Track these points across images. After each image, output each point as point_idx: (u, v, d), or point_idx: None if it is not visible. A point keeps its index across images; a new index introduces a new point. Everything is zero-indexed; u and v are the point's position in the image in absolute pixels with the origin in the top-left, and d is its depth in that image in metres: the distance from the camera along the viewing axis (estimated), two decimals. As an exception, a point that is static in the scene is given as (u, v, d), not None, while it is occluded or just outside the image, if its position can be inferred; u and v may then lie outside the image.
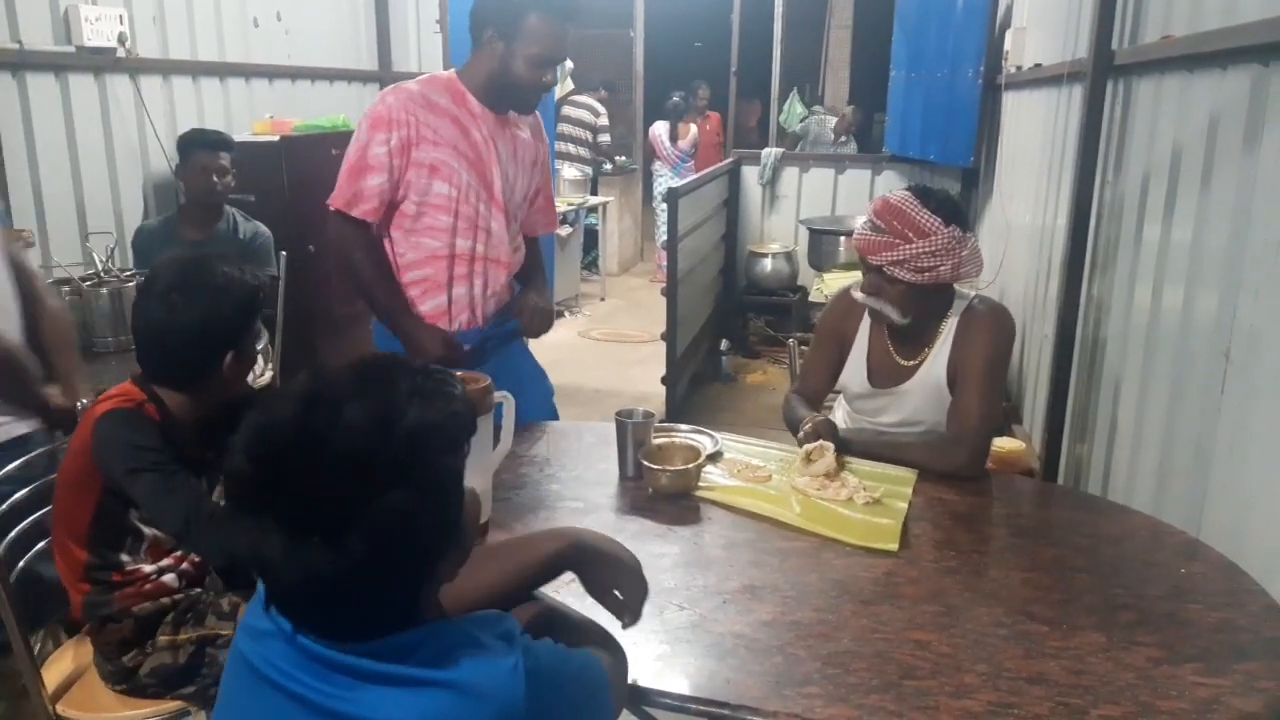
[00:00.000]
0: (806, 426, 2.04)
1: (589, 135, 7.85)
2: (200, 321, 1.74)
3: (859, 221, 2.22)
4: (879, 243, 2.04)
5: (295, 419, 0.90)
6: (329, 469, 0.88)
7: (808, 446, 1.96)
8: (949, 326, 2.13)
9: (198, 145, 3.52)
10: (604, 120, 7.92)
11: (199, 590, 1.88)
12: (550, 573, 1.24)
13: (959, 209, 2.07)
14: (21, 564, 1.93)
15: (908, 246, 2.00)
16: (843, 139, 8.08)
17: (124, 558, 1.81)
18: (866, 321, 2.23)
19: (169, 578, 1.84)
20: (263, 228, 3.62)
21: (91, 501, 1.75)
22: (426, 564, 0.96)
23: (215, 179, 3.49)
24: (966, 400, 2.05)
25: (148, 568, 1.82)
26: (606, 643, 1.23)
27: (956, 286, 2.14)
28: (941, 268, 2.00)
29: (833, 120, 8.36)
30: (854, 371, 2.25)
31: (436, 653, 0.94)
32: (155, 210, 4.02)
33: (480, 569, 1.17)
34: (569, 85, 7.80)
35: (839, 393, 2.40)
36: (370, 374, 0.95)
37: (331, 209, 2.26)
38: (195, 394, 1.80)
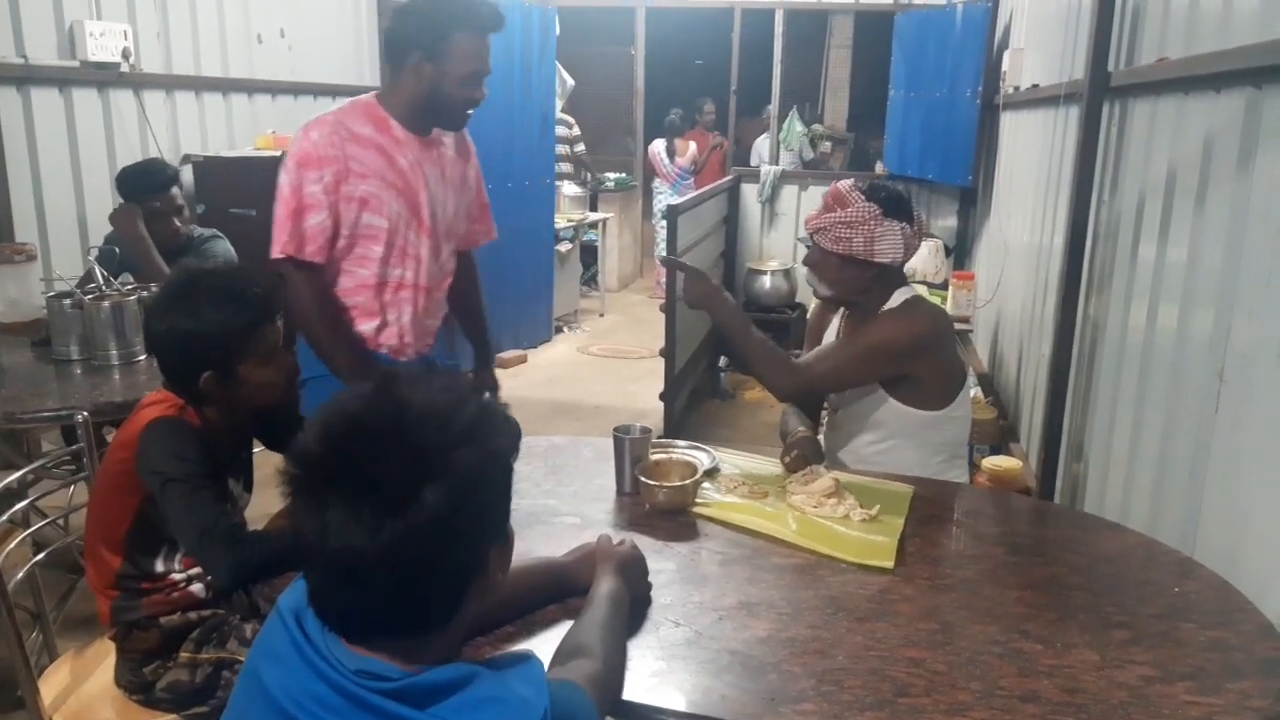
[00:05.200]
0: (793, 452, 2.10)
1: (568, 149, 7.92)
2: (190, 333, 1.73)
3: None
4: (815, 212, 2.21)
5: (376, 395, 0.97)
6: (412, 425, 0.94)
7: (794, 476, 1.99)
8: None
9: (144, 190, 3.14)
10: (577, 130, 8.00)
11: (225, 612, 1.88)
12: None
13: (894, 200, 2.17)
14: (21, 574, 1.94)
15: (829, 215, 2.16)
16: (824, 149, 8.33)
17: (158, 566, 1.82)
18: (838, 318, 2.37)
19: (196, 587, 1.85)
20: (218, 244, 3.30)
21: (131, 508, 1.76)
22: (479, 544, 0.98)
23: (175, 221, 3.18)
24: (830, 355, 2.21)
25: (178, 575, 1.84)
26: (611, 655, 1.28)
27: (908, 284, 2.24)
28: (855, 239, 2.12)
29: (825, 145, 8.53)
30: None
31: (470, 699, 0.95)
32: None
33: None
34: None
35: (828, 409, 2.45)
36: (435, 372, 1.04)
37: (280, 258, 2.17)
38: (212, 404, 1.80)
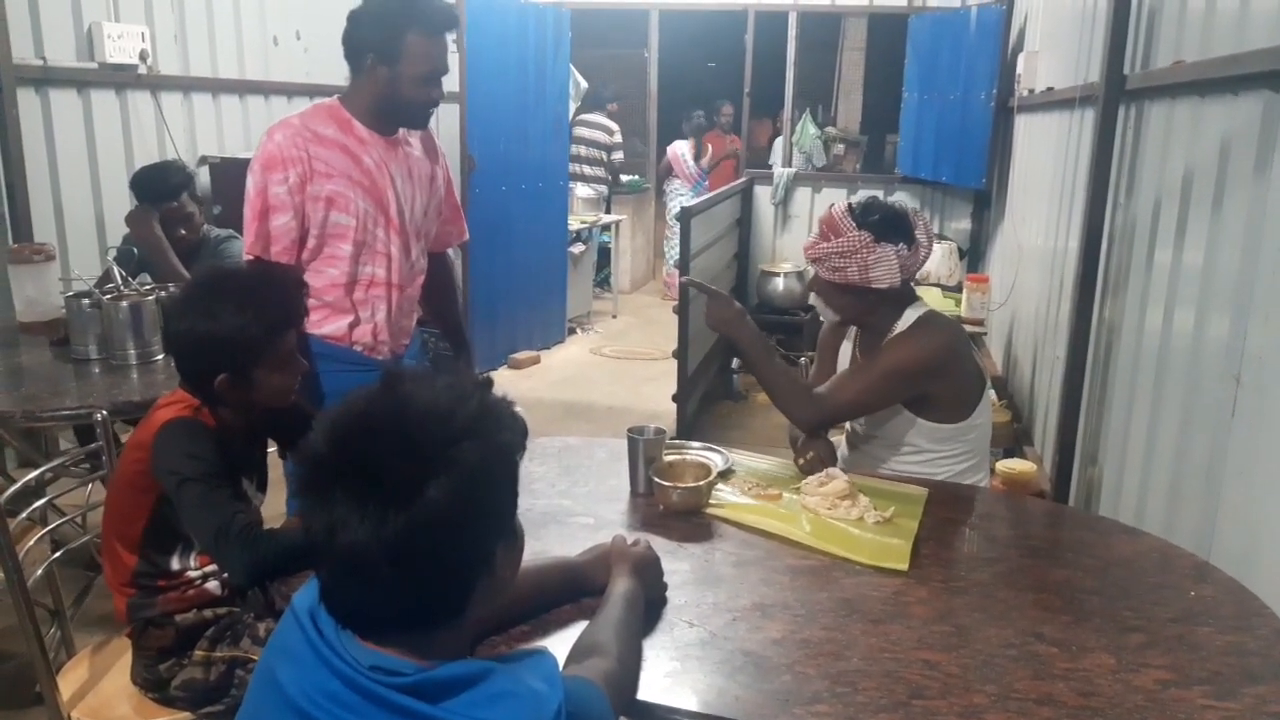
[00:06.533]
0: (808, 453, 2.10)
1: (603, 155, 7.88)
2: (209, 335, 1.74)
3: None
4: (811, 240, 2.22)
5: (380, 393, 0.98)
6: (414, 422, 0.95)
7: (810, 479, 1.97)
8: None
9: (156, 197, 3.19)
10: (618, 138, 7.95)
11: (239, 610, 1.89)
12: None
13: (888, 222, 2.12)
14: (40, 571, 1.96)
15: (824, 245, 2.15)
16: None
17: (174, 564, 1.83)
18: (851, 337, 2.35)
19: (212, 584, 1.87)
20: (234, 245, 3.28)
21: (147, 506, 1.77)
22: (484, 539, 0.99)
23: (181, 231, 3.22)
24: (848, 385, 2.18)
25: (193, 573, 1.85)
26: (626, 655, 1.29)
27: (919, 300, 2.23)
28: (849, 268, 2.11)
29: (839, 147, 8.48)
30: None
31: (484, 694, 0.96)
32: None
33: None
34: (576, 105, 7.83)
35: None
36: (440, 370, 1.05)
37: (249, 259, 2.23)
38: (227, 405, 1.81)
